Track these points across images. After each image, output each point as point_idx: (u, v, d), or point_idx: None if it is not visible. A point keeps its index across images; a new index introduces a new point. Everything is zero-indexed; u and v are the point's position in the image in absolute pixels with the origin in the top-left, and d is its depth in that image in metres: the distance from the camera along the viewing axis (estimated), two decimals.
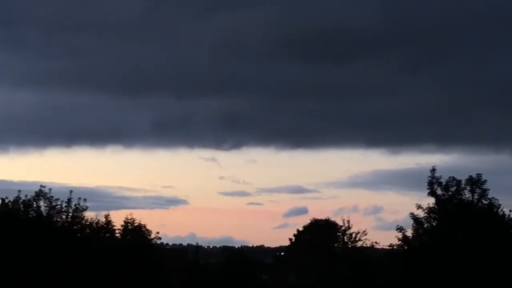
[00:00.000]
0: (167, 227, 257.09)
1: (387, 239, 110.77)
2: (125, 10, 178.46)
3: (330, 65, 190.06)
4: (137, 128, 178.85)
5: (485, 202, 44.93)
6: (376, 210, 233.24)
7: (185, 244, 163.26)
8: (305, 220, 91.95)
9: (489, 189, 44.94)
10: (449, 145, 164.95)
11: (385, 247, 61.44)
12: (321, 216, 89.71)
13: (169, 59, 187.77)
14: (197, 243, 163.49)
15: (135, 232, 66.43)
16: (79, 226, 55.14)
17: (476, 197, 44.98)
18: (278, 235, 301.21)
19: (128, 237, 65.98)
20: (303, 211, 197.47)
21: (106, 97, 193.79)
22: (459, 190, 45.10)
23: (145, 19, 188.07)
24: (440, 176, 45.41)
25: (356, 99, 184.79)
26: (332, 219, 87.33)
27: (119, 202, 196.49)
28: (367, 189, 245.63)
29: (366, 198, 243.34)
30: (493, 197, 44.91)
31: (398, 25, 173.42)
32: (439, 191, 45.25)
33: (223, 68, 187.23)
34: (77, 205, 54.17)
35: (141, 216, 73.13)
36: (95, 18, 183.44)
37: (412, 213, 45.62)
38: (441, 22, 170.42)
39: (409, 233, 46.11)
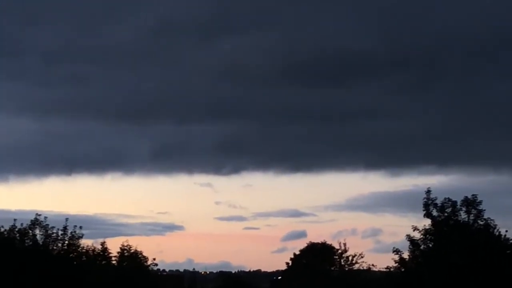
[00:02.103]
0: (165, 253, 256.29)
1: (385, 261, 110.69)
2: (124, 37, 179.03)
3: (329, 89, 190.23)
4: (137, 155, 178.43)
5: (481, 222, 44.99)
6: (375, 232, 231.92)
7: (182, 270, 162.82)
8: (304, 244, 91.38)
9: (484, 210, 45.07)
10: (449, 166, 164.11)
11: (382, 270, 61.55)
12: (320, 239, 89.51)
13: (168, 85, 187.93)
14: (193, 269, 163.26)
15: (132, 259, 66.37)
16: (75, 254, 55.02)
17: (472, 218, 45.03)
18: (276, 260, 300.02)
19: (124, 264, 65.87)
20: (301, 234, 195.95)
21: (106, 124, 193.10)
22: (455, 211, 45.18)
23: (144, 46, 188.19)
24: (436, 197, 45.56)
25: (356, 122, 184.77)
26: (331, 242, 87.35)
27: (117, 229, 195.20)
28: (366, 212, 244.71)
29: (365, 220, 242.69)
30: (488, 218, 45.01)
31: (396, 48, 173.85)
32: (434, 213, 45.34)
33: (222, 94, 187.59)
34: (73, 233, 54.09)
35: (138, 243, 73.06)
36: (94, 46, 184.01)
37: (408, 235, 45.68)
38: (440, 45, 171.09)
39: (405, 255, 46.15)
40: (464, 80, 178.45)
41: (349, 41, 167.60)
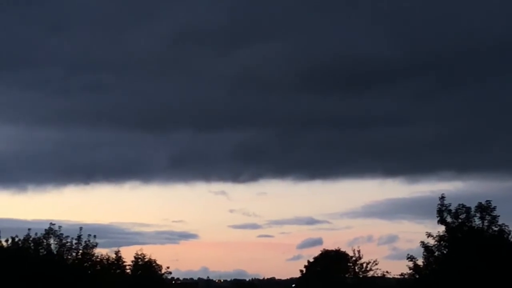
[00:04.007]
0: (180, 262, 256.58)
1: (401, 268, 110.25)
2: (143, 46, 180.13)
3: (346, 96, 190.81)
4: (155, 163, 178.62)
5: (495, 228, 44.79)
6: (391, 239, 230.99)
7: (196, 278, 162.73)
8: (319, 252, 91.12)
9: (499, 216, 44.86)
10: (467, 172, 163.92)
11: (397, 277, 61.32)
12: (336, 246, 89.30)
13: (186, 93, 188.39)
14: (208, 277, 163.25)
15: (146, 268, 66.50)
16: (89, 263, 55.10)
17: (486, 223, 44.84)
18: (291, 267, 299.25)
19: (138, 272, 66.00)
20: (317, 242, 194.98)
21: (125, 132, 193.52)
22: (469, 217, 44.99)
23: (162, 55, 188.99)
24: (450, 203, 45.41)
25: (374, 128, 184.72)
26: (347, 249, 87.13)
27: (131, 238, 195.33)
28: (382, 219, 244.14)
29: (381, 227, 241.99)
30: (503, 224, 44.81)
31: (414, 54, 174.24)
32: (448, 219, 45.18)
33: (239, 102, 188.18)
34: (87, 242, 54.16)
35: (153, 251, 73.40)
36: (112, 55, 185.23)
37: (422, 242, 45.53)
38: (457, 51, 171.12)
39: (420, 261, 46.01)
40: (482, 85, 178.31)
41: (366, 48, 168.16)
